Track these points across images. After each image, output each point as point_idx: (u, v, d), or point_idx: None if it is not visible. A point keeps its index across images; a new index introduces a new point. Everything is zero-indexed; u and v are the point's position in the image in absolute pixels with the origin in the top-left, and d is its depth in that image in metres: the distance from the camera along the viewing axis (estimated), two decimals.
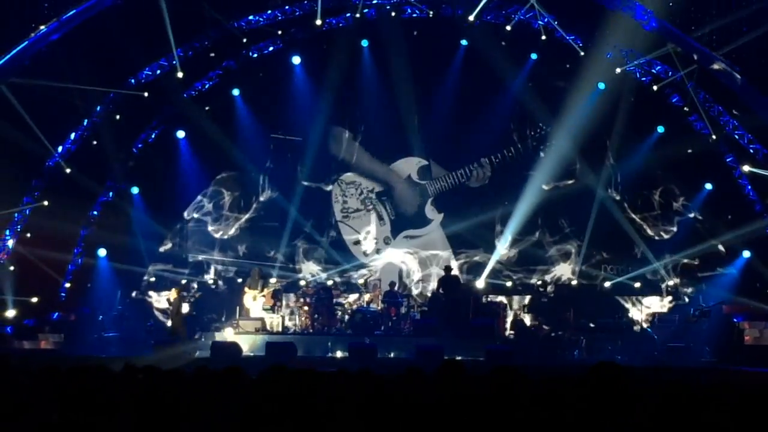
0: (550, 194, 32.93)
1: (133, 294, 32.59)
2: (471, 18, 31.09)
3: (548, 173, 32.53)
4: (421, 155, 34.17)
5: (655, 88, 31.32)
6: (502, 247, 32.66)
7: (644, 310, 30.44)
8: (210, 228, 33.93)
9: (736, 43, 28.92)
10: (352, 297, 31.29)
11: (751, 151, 30.71)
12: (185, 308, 30.45)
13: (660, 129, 31.57)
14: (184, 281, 32.86)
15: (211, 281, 33.03)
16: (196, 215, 34.09)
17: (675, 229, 32.20)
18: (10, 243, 31.80)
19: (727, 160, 31.18)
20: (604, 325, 29.04)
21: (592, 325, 29.02)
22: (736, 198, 31.17)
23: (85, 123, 32.21)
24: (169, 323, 30.33)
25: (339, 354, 27.25)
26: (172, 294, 30.16)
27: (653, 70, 31.51)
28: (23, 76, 29.79)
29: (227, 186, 34.11)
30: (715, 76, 29.93)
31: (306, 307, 30.38)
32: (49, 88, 30.31)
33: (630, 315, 30.38)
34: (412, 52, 32.09)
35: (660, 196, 32.57)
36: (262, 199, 33.96)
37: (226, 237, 33.90)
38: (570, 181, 33.38)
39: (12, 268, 31.46)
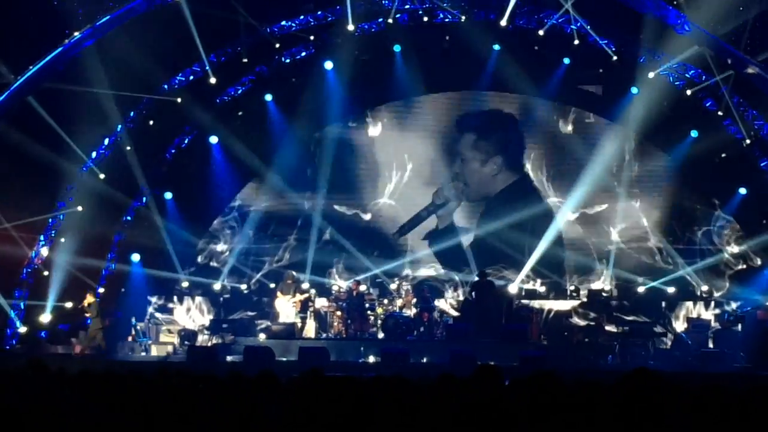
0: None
1: (164, 300, 32.71)
2: (503, 23, 30.97)
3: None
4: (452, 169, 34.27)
5: (688, 92, 31.18)
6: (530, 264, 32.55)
7: (678, 315, 30.30)
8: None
9: None
10: (385, 302, 31.27)
11: None
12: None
13: (694, 133, 31.47)
14: (218, 287, 33.02)
15: (244, 286, 33.09)
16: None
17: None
18: (45, 248, 32.07)
19: (762, 164, 31.02)
20: (638, 330, 28.97)
21: (626, 328, 29.02)
22: None
23: (118, 128, 32.35)
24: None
25: (372, 359, 27.27)
26: (87, 299, 29.48)
27: (687, 75, 31.38)
28: (58, 82, 30.08)
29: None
30: (749, 80, 29.80)
31: (339, 312, 30.48)
32: (83, 93, 30.55)
33: (664, 320, 30.21)
34: (445, 57, 32.13)
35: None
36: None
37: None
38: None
39: (46, 273, 31.72)
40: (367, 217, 34.48)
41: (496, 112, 34.02)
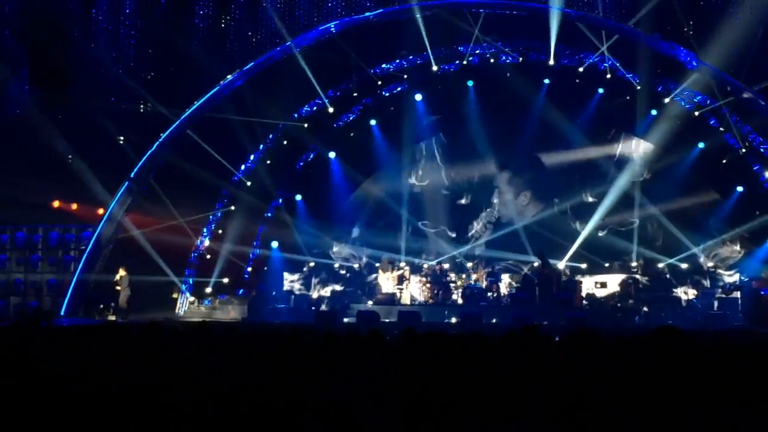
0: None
1: (296, 277, 32.94)
2: (551, 62, 30.99)
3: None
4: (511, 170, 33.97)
5: (696, 113, 30.83)
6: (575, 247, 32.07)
7: (690, 285, 29.81)
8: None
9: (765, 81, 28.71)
10: (463, 276, 31.21)
11: None
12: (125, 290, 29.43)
13: (700, 145, 30.97)
14: (337, 266, 33.11)
15: (356, 265, 33.17)
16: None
17: (738, 249, 31.17)
18: (207, 239, 32.64)
19: (755, 168, 30.56)
20: (658, 297, 28.63)
21: (649, 295, 28.64)
22: (763, 197, 30.49)
23: (260, 147, 32.98)
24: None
25: (454, 320, 27.24)
26: (120, 273, 29.28)
27: (695, 100, 31.02)
28: (216, 113, 30.71)
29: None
30: (744, 103, 29.46)
31: (428, 285, 30.48)
32: (235, 120, 31.25)
33: (680, 289, 29.71)
34: (506, 89, 31.88)
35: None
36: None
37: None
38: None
39: (209, 257, 32.26)
40: (453, 234, 34.10)
41: (529, 155, 33.36)
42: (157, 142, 30.69)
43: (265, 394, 5.58)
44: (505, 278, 31.20)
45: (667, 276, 30.21)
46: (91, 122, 31.42)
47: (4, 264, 31.78)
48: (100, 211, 30.92)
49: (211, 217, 32.84)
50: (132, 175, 30.54)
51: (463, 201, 34.23)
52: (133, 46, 33.97)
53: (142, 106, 32.96)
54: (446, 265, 31.86)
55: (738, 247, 30.42)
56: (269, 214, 33.65)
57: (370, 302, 29.75)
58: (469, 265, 31.99)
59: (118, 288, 29.25)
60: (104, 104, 31.93)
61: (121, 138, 31.76)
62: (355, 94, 33.18)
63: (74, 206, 32.47)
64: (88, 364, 5.91)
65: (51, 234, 31.77)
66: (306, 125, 32.95)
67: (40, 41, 31.64)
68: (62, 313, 28.79)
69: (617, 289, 29.49)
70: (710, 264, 30.47)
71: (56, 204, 32.14)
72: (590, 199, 32.60)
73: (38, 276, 31.59)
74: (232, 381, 6.19)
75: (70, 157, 31.00)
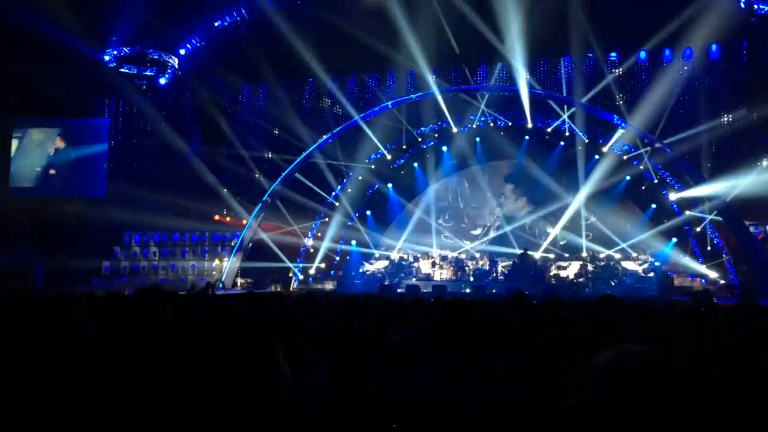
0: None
1: (367, 263, 33.03)
2: (529, 125, 30.82)
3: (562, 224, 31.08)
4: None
5: (625, 157, 30.45)
6: (545, 244, 31.73)
7: (621, 268, 29.34)
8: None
9: (673, 135, 28.42)
10: (473, 262, 31.06)
11: (675, 187, 29.69)
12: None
13: (627, 177, 30.55)
14: (394, 256, 33.08)
15: (406, 255, 33.11)
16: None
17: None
18: (310, 239, 32.83)
19: (663, 192, 30.10)
20: (600, 276, 28.24)
21: (594, 275, 28.26)
22: (669, 212, 30.04)
23: (344, 181, 33.11)
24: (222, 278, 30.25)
25: (468, 291, 27.11)
26: (216, 262, 30.64)
27: (624, 148, 30.62)
28: (316, 159, 31.00)
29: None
30: (657, 150, 29.09)
31: (451, 268, 30.39)
32: (327, 164, 31.48)
33: (614, 270, 29.22)
34: (501, 144, 31.83)
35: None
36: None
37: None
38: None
39: (312, 250, 32.46)
40: (468, 242, 33.57)
41: (525, 174, 32.86)
42: (280, 178, 31.12)
43: (353, 334, 5.70)
44: (500, 264, 30.99)
45: (606, 262, 29.80)
46: (237, 165, 32.11)
47: (185, 255, 32.48)
48: (244, 222, 31.50)
49: (313, 225, 33.07)
50: (263, 199, 31.03)
51: (476, 232, 34.02)
52: (263, 116, 34.52)
53: (270, 154, 33.56)
54: (463, 256, 31.72)
55: (648, 257, 29.60)
56: (350, 223, 33.78)
57: (414, 279, 29.71)
58: (478, 255, 31.87)
59: (215, 272, 30.38)
60: (245, 153, 32.63)
61: (257, 174, 32.44)
62: (404, 147, 33.22)
63: (228, 219, 33.21)
64: (241, 312, 6.10)
65: (213, 236, 32.52)
66: (372, 167, 33.08)
67: (206, 114, 32.31)
68: (221, 286, 29.26)
69: (574, 271, 29.13)
70: (634, 255, 29.98)
71: (216, 217, 32.97)
72: (549, 229, 31.83)
73: (205, 263, 32.28)
74: (331, 325, 6.33)
75: (225, 190, 31.82)
